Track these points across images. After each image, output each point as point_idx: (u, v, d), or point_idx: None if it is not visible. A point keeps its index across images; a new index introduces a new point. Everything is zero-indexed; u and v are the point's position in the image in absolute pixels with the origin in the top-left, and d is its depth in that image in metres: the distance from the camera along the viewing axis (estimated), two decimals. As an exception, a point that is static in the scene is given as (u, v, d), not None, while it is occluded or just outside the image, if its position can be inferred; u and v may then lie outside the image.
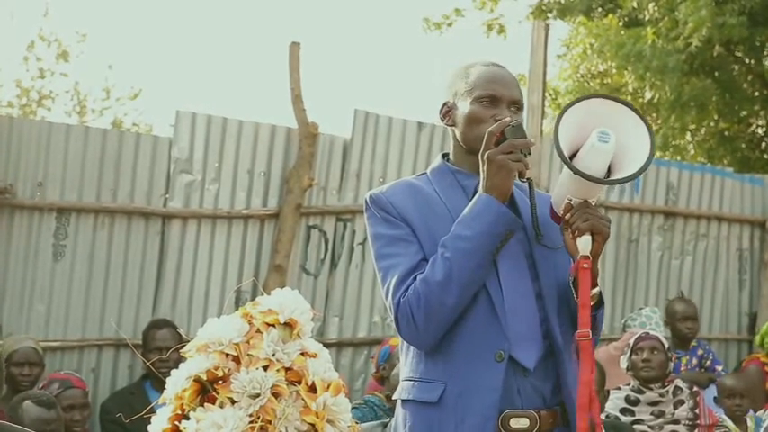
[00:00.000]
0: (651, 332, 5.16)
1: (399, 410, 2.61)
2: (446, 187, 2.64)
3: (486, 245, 2.47)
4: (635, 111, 2.48)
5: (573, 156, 2.46)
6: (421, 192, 2.63)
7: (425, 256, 2.52)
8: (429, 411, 2.50)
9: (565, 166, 2.46)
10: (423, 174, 2.73)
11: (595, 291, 2.51)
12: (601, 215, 2.48)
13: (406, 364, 2.61)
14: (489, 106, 2.59)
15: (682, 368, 5.97)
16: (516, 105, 2.62)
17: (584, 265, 2.44)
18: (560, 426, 2.50)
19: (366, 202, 2.65)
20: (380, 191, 2.65)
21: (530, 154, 2.48)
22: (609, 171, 2.48)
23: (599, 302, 2.55)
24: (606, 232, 2.47)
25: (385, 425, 3.97)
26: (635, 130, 2.47)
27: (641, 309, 6.18)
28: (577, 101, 2.48)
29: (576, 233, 2.46)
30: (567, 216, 2.49)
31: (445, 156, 2.73)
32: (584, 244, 2.45)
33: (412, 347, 2.58)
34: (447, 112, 2.68)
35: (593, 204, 2.50)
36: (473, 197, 2.53)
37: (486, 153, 2.48)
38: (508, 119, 2.50)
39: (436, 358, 2.52)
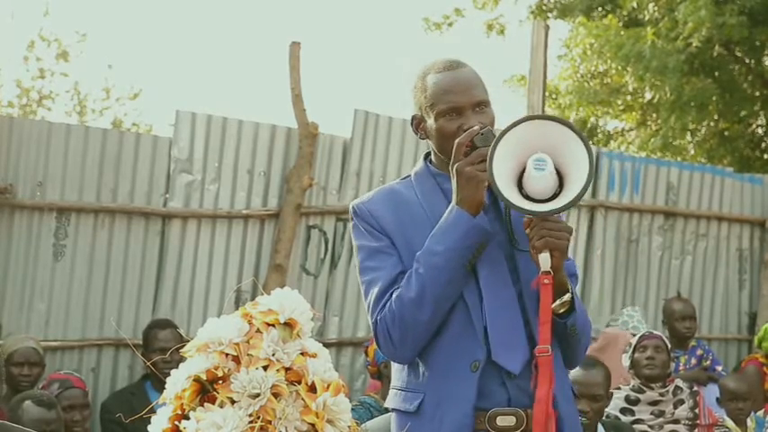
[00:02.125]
0: (654, 331, 5.15)
1: (391, 417, 2.64)
2: (427, 192, 2.60)
3: (456, 259, 2.45)
4: (574, 130, 2.44)
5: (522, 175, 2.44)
6: (402, 199, 2.60)
7: (404, 267, 2.52)
8: (410, 420, 2.52)
9: None
10: (407, 176, 2.69)
11: (566, 298, 2.48)
12: (559, 227, 2.43)
13: (394, 372, 2.63)
14: (454, 118, 2.52)
15: (680, 368, 5.96)
16: (481, 105, 2.55)
17: (545, 281, 2.41)
18: None
19: (350, 213, 2.64)
20: (362, 201, 2.63)
21: None
22: (562, 186, 2.44)
23: (570, 309, 2.51)
24: (562, 246, 2.43)
25: None
26: (574, 150, 2.42)
27: (623, 309, 6.20)
28: (513, 125, 2.43)
29: (534, 250, 2.44)
30: (527, 231, 2.46)
31: (428, 156, 2.68)
32: (543, 260, 2.42)
33: None
34: (418, 125, 2.63)
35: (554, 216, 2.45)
36: None
37: (455, 165, 2.45)
38: (476, 127, 2.46)
39: (417, 368, 2.55)
